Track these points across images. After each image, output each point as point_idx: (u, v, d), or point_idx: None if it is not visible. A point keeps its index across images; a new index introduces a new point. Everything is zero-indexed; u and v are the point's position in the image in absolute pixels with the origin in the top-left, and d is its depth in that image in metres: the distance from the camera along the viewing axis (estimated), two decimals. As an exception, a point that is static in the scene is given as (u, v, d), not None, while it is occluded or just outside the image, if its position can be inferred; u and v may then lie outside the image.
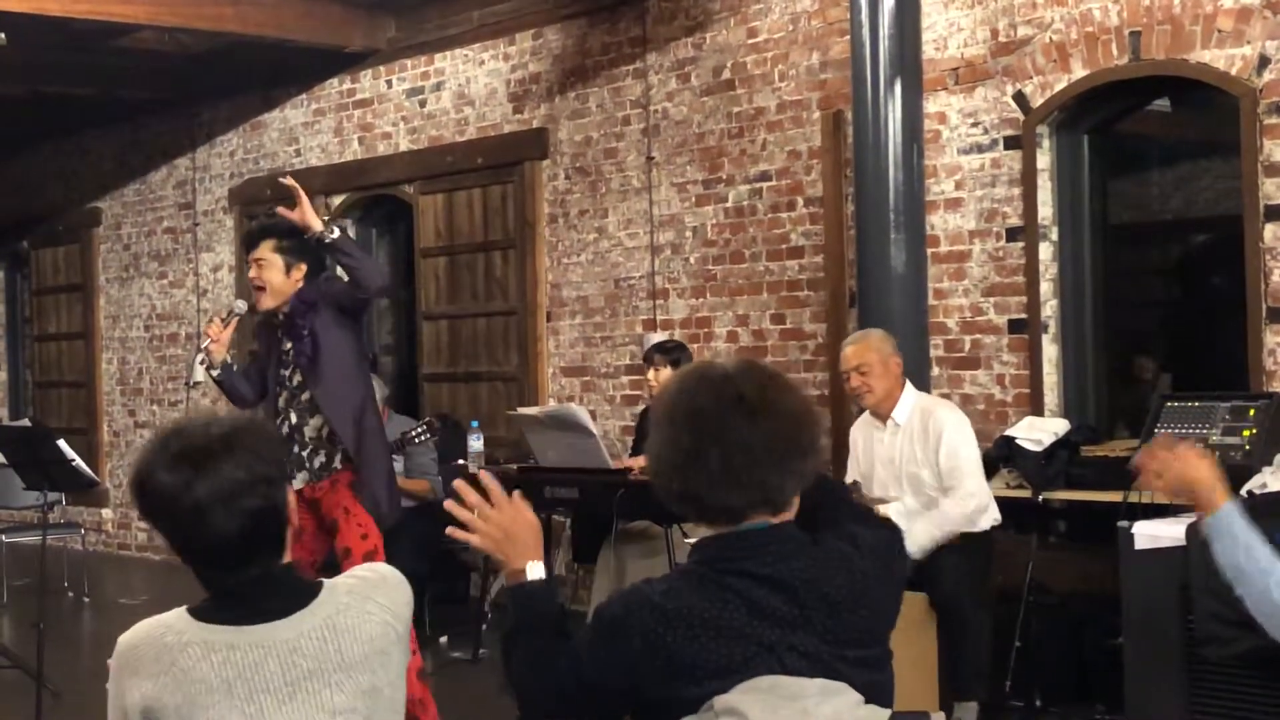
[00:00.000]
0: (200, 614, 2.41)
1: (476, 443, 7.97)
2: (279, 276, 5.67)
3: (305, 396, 5.67)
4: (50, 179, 13.49)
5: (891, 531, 2.69)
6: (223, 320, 5.84)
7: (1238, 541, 3.02)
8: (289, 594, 2.42)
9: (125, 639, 2.42)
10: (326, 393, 5.61)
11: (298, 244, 5.66)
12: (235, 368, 5.93)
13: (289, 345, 5.71)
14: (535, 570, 2.55)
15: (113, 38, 9.61)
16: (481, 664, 7.61)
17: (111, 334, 12.84)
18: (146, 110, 11.95)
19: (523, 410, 7.80)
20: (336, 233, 5.48)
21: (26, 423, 11.22)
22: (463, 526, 2.59)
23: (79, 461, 7.32)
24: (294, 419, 5.69)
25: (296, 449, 5.68)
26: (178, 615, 2.42)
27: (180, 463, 2.36)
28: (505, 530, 2.57)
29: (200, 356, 5.83)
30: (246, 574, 2.40)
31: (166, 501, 2.37)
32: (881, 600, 2.51)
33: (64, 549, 10.63)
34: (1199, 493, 3.06)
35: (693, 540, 6.79)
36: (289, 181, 5.62)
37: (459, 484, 2.65)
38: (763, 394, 2.46)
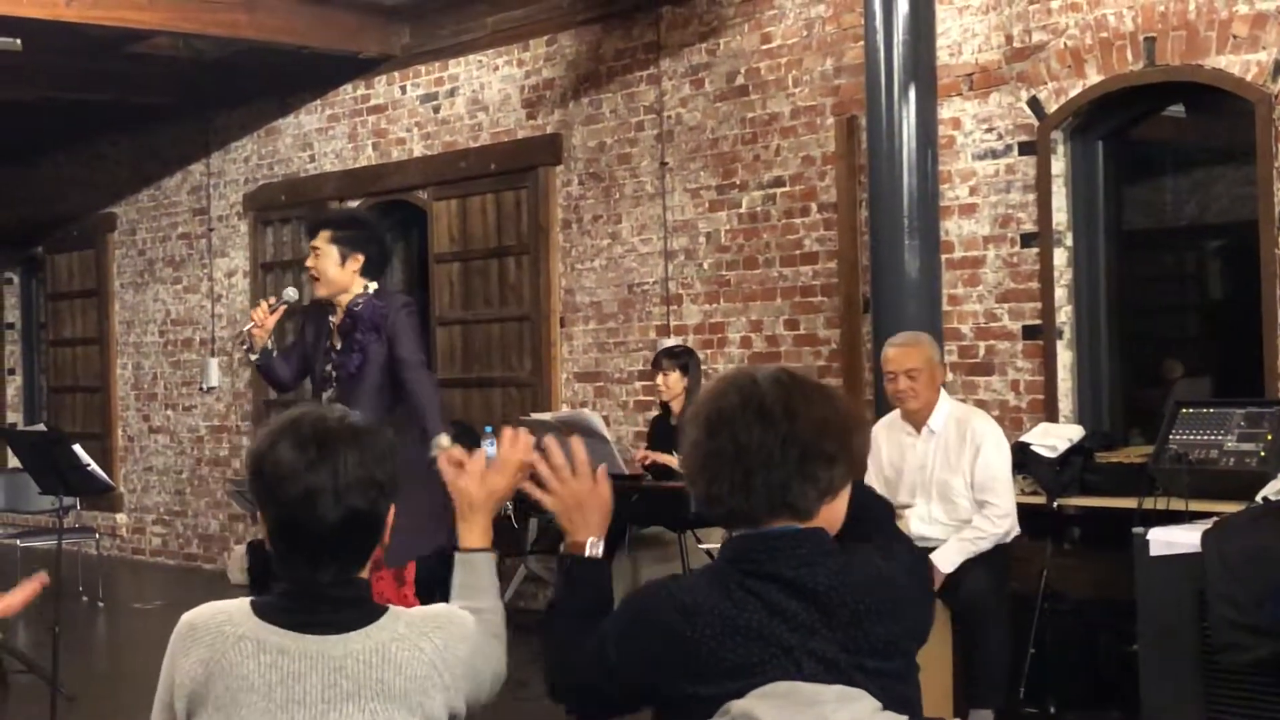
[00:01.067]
0: (261, 609, 2.40)
1: (490, 448, 7.95)
2: (333, 266, 5.71)
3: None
4: (65, 184, 13.53)
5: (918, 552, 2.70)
6: (270, 306, 5.87)
7: None
8: (353, 609, 2.41)
9: (189, 617, 2.43)
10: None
11: (354, 234, 5.73)
12: (275, 353, 5.92)
13: (339, 346, 5.74)
14: (595, 547, 2.60)
15: (128, 44, 9.64)
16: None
17: (126, 339, 12.87)
18: (161, 116, 11.98)
19: (536, 415, 7.81)
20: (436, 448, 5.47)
21: (42, 428, 11.23)
22: (541, 486, 2.63)
23: (94, 466, 7.34)
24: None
25: None
26: (240, 605, 2.42)
27: (308, 443, 2.37)
28: (579, 499, 2.61)
29: (243, 340, 5.86)
30: (324, 574, 2.39)
31: (282, 475, 2.36)
32: (910, 615, 2.48)
33: (79, 554, 10.65)
34: None
35: (706, 546, 6.81)
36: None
37: (549, 441, 2.68)
38: (785, 399, 2.46)
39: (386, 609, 2.45)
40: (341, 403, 5.59)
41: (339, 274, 5.72)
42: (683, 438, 2.53)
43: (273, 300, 5.95)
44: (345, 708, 2.35)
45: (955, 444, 6.01)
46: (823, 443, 2.45)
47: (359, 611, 2.42)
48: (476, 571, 2.66)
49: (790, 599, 2.38)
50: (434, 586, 8.09)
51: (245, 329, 5.89)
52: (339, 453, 2.37)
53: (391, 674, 2.38)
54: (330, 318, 5.83)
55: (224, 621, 2.39)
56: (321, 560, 2.39)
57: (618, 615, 2.49)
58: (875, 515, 2.68)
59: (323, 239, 5.74)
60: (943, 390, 6.20)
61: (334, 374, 5.69)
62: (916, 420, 6.16)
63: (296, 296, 6.08)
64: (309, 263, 5.82)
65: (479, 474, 2.71)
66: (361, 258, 5.73)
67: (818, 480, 2.45)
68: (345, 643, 2.37)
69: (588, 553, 2.59)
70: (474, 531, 2.69)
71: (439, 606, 2.57)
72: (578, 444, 2.67)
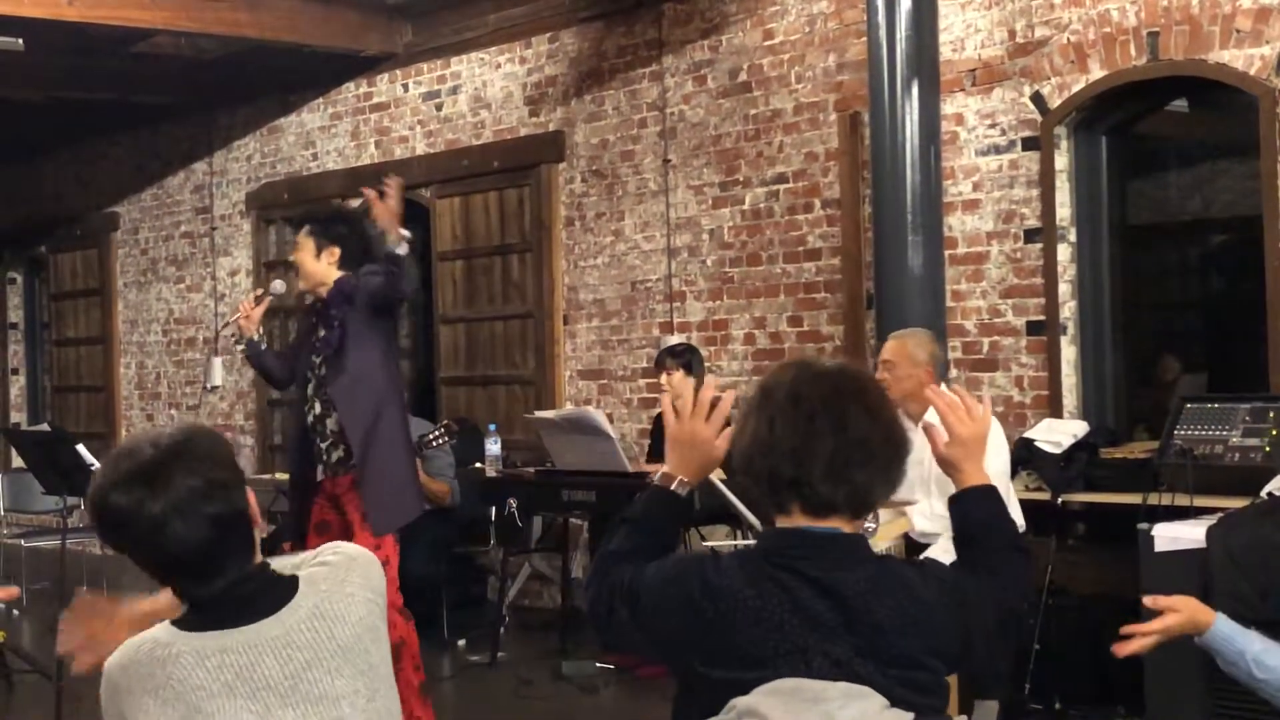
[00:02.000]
0: (185, 625, 2.38)
1: (494, 446, 7.98)
2: (309, 259, 5.78)
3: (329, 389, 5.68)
4: (68, 184, 13.54)
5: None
6: (257, 298, 5.94)
7: (1238, 656, 3.05)
8: (270, 592, 2.40)
9: (114, 661, 2.39)
10: (342, 389, 5.60)
11: (329, 228, 5.78)
12: (264, 346, 5.99)
13: (321, 332, 5.75)
14: (683, 486, 2.66)
15: (130, 43, 9.63)
16: (499, 667, 7.60)
17: (129, 338, 12.87)
18: (164, 115, 11.99)
19: (540, 413, 7.80)
20: (405, 249, 5.46)
21: (46, 427, 11.24)
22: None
23: (98, 466, 7.34)
24: (318, 409, 5.70)
25: (318, 440, 5.68)
26: (163, 629, 2.39)
27: (132, 481, 2.34)
28: (693, 437, 2.66)
29: (230, 330, 5.93)
30: (222, 580, 2.38)
31: (124, 522, 2.34)
32: (942, 630, 2.45)
33: (83, 553, 10.64)
34: (1189, 630, 3.09)
35: (710, 544, 6.80)
36: (391, 181, 5.60)
37: (708, 386, 2.73)
38: (881, 394, 2.52)
39: (297, 578, 2.44)
40: (330, 381, 5.63)
41: (315, 266, 5.78)
42: (759, 416, 2.48)
43: (259, 292, 6.02)
44: (310, 675, 2.35)
45: None
46: (903, 450, 2.50)
47: (277, 590, 2.41)
48: None
49: (817, 598, 2.38)
50: (434, 587, 8.13)
51: (233, 318, 5.98)
52: (166, 477, 2.33)
53: (339, 627, 2.39)
54: (314, 317, 5.88)
55: (152, 648, 2.35)
56: (209, 572, 2.38)
57: (657, 571, 2.52)
58: (986, 544, 2.67)
59: (302, 233, 5.83)
60: (942, 386, 6.18)
61: (323, 361, 5.70)
62: (913, 415, 6.16)
63: (284, 290, 6.15)
64: (291, 258, 5.92)
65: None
66: (338, 250, 5.76)
67: (892, 486, 2.49)
68: (280, 620, 2.37)
69: (673, 486, 2.66)
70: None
71: (328, 548, 2.55)
72: (729, 395, 2.73)
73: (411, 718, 5.39)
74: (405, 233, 5.45)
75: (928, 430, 2.79)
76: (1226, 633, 3.03)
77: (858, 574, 2.41)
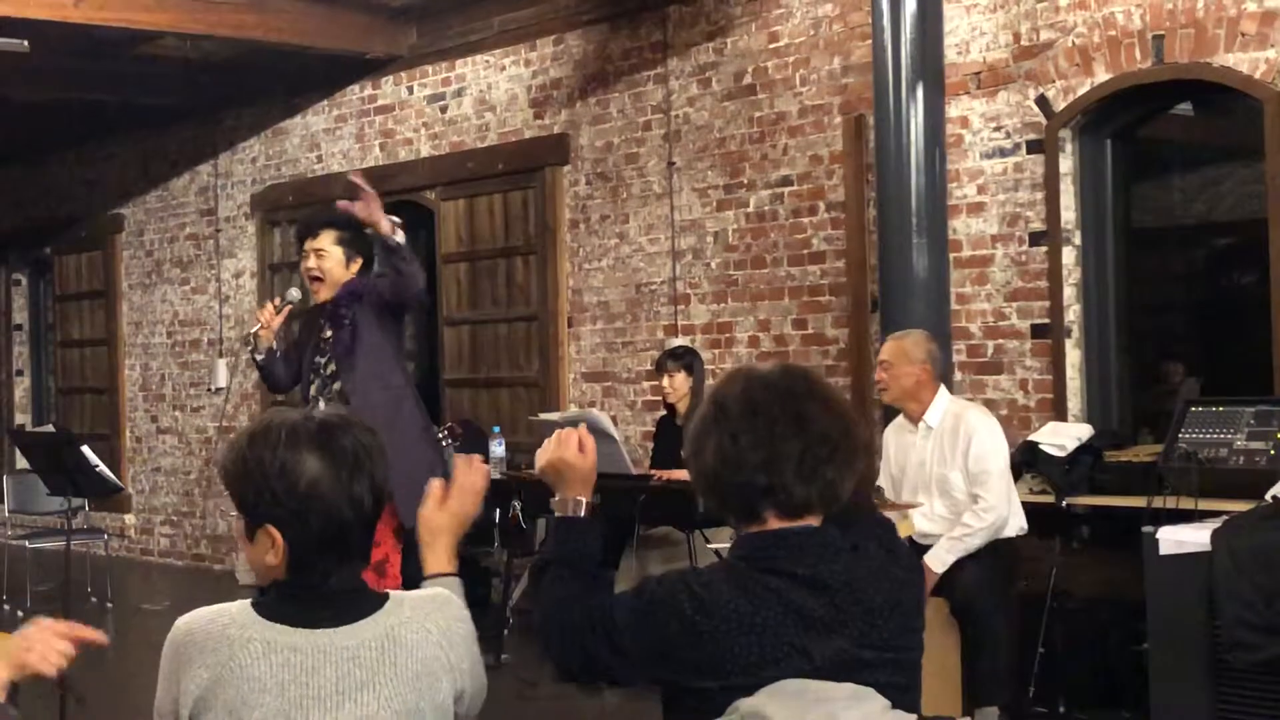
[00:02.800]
0: (265, 610, 2.38)
1: (498, 448, 7.98)
2: (339, 268, 5.70)
3: (336, 386, 5.67)
4: (73, 186, 13.55)
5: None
6: (275, 307, 5.86)
7: None
8: (357, 600, 2.41)
9: (183, 623, 2.39)
10: (356, 387, 5.59)
11: (358, 237, 5.69)
12: (279, 354, 5.92)
13: (329, 333, 5.72)
14: (579, 507, 2.71)
15: (135, 45, 9.65)
16: (504, 669, 7.60)
17: (134, 340, 12.88)
18: (169, 117, 11.99)
19: (544, 415, 7.81)
20: (401, 235, 5.40)
21: (50, 429, 11.25)
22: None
23: (103, 467, 7.35)
24: (322, 407, 5.69)
25: None
26: (241, 608, 2.39)
27: (320, 449, 2.36)
28: (560, 463, 2.71)
29: (248, 341, 5.86)
30: (346, 570, 2.40)
31: (298, 483, 2.34)
32: (913, 606, 2.52)
33: (87, 554, 10.66)
34: None
35: (714, 546, 6.80)
36: (358, 179, 5.56)
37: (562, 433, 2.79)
38: (837, 395, 2.53)
39: (388, 595, 2.45)
40: (341, 380, 5.62)
41: (343, 276, 5.72)
42: (719, 430, 2.48)
43: (278, 301, 5.94)
44: (360, 696, 2.34)
45: (950, 439, 6.03)
46: (861, 441, 2.50)
47: (364, 601, 2.41)
48: None
49: (809, 596, 2.39)
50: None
51: (252, 330, 5.87)
52: (360, 463, 2.38)
53: (404, 657, 2.37)
54: (321, 318, 5.84)
55: (227, 624, 2.35)
56: (344, 558, 2.40)
57: (633, 599, 2.50)
58: (863, 506, 2.72)
59: (328, 239, 5.70)
60: (942, 387, 6.19)
61: (330, 359, 5.69)
62: (914, 417, 6.19)
63: (300, 296, 6.08)
64: (310, 263, 5.74)
65: (438, 499, 2.77)
66: (361, 261, 5.74)
67: (856, 473, 2.49)
68: (356, 632, 2.37)
69: (569, 511, 2.71)
70: (439, 556, 2.75)
71: (433, 589, 2.58)
72: (583, 431, 2.78)
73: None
74: (394, 219, 5.38)
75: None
76: None
77: (839, 563, 2.43)
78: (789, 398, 2.46)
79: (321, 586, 2.39)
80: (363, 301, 5.63)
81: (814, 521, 2.47)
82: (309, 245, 5.75)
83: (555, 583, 2.63)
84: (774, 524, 2.46)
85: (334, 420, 2.43)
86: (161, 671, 2.40)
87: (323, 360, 5.73)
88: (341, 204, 5.52)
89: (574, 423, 7.31)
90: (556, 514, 2.72)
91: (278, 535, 2.37)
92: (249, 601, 2.41)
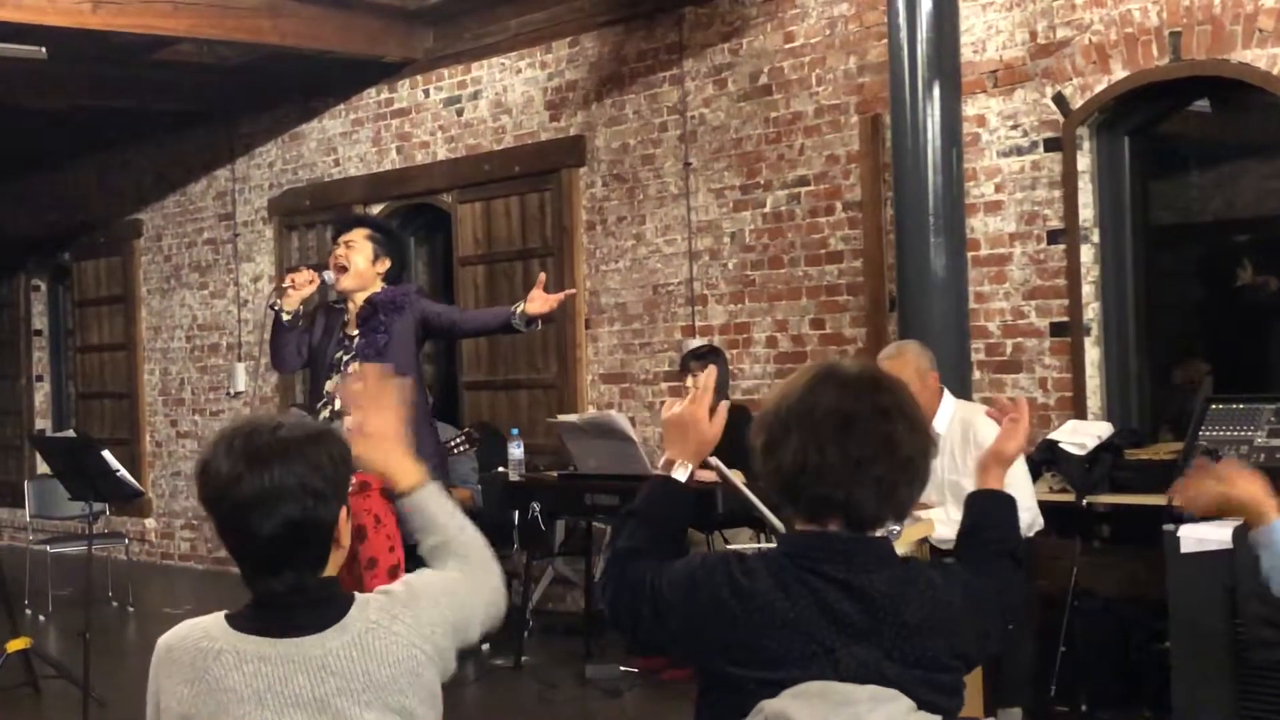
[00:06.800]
0: (235, 622, 2.42)
1: (517, 450, 7.98)
2: (364, 262, 5.97)
3: None
4: (91, 192, 13.59)
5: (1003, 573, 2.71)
6: (309, 279, 6.04)
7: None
8: (321, 609, 2.42)
9: (164, 640, 2.46)
10: None
11: (389, 240, 6.06)
12: (300, 325, 6.09)
13: (356, 332, 5.89)
14: (682, 469, 2.70)
15: (152, 51, 9.67)
16: (523, 671, 7.61)
17: (153, 345, 12.92)
18: (186, 122, 12.03)
19: (563, 417, 7.80)
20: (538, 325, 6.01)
21: (71, 434, 11.29)
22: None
23: (124, 472, 7.37)
24: (337, 405, 5.75)
25: None
26: (215, 620, 2.44)
27: (239, 457, 2.38)
28: (691, 418, 2.72)
29: (272, 297, 6.06)
30: (280, 581, 2.41)
31: (216, 491, 2.40)
32: (964, 631, 2.48)
33: (108, 559, 10.69)
34: (1249, 510, 3.00)
35: (734, 547, 6.79)
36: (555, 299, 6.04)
37: (707, 372, 2.87)
38: (916, 403, 2.52)
39: (353, 598, 2.45)
40: None
41: (368, 269, 5.97)
42: (808, 417, 2.44)
43: (314, 265, 6.20)
44: (339, 702, 2.36)
45: (960, 445, 5.99)
46: (931, 455, 2.52)
47: (329, 609, 2.42)
48: (424, 509, 2.66)
49: (846, 600, 2.39)
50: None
51: (282, 285, 6.04)
52: (266, 466, 2.37)
53: (375, 665, 2.39)
54: (344, 315, 6.02)
55: (200, 638, 2.40)
56: (270, 569, 2.41)
57: (681, 570, 2.52)
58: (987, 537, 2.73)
59: (359, 234, 6.03)
60: (946, 392, 6.16)
61: (355, 358, 5.81)
62: None
63: (334, 282, 6.20)
64: (339, 253, 6.01)
65: (360, 437, 2.68)
66: (388, 262, 6.03)
67: (921, 491, 2.51)
68: (322, 641, 2.38)
69: (674, 471, 2.70)
70: (402, 472, 2.68)
71: (401, 582, 2.56)
72: (710, 374, 2.84)
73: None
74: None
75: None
76: None
77: (884, 575, 2.42)
78: (881, 417, 2.43)
79: (281, 595, 2.41)
80: (405, 315, 5.84)
81: (875, 532, 2.47)
82: (342, 239, 6.06)
83: (633, 535, 2.65)
84: (833, 528, 2.45)
85: (269, 439, 2.40)
86: (148, 690, 2.46)
87: (345, 358, 5.82)
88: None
89: (593, 425, 7.34)
90: (660, 471, 2.73)
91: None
92: (222, 614, 2.45)
